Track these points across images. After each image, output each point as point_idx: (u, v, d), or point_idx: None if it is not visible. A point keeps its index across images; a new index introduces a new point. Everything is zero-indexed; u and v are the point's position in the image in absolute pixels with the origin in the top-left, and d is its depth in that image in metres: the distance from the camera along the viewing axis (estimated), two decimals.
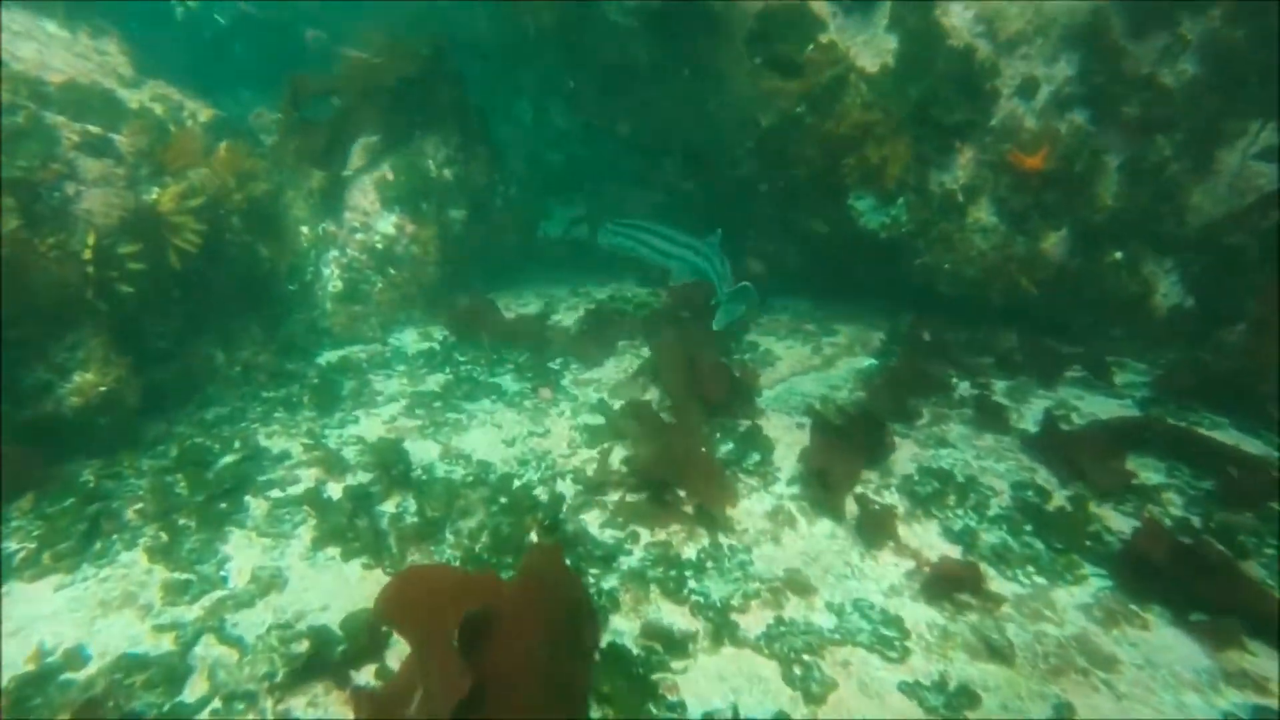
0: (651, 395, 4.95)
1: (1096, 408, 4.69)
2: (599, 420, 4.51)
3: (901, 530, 3.50)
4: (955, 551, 3.33)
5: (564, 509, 3.61)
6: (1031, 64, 5.47)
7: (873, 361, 5.68)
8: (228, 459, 4.20)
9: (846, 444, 4.05)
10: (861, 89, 5.65)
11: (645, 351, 5.84)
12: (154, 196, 4.39)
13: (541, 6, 7.70)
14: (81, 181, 4.05)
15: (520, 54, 9.79)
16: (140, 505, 3.70)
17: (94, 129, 4.36)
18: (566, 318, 6.58)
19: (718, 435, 4.31)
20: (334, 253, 6.30)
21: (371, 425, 4.71)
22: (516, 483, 3.89)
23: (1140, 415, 4.46)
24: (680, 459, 3.79)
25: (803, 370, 5.56)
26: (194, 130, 5.46)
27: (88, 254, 3.98)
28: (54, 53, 5.53)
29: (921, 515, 3.62)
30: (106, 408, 4.14)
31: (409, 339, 6.10)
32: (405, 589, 2.52)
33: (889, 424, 4.17)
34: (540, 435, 4.48)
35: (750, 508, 3.74)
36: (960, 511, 3.59)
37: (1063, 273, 5.73)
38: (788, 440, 4.40)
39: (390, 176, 6.49)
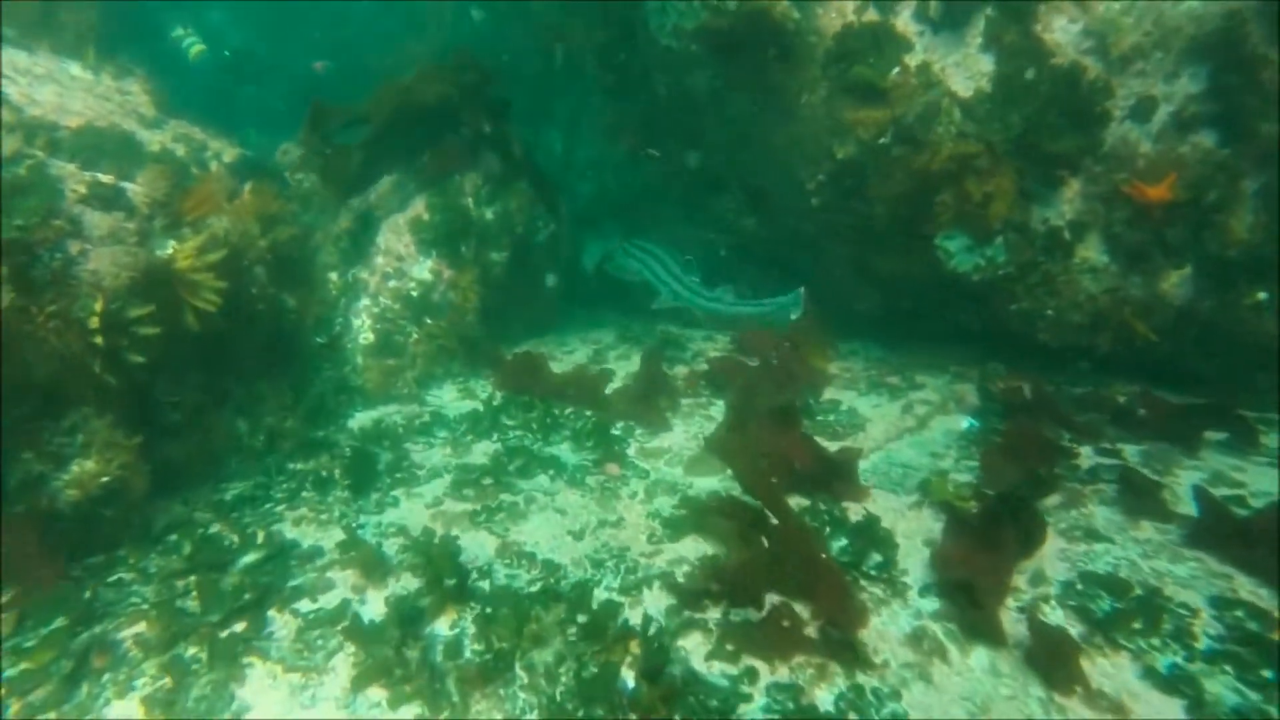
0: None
1: (1268, 483, 3.92)
2: (680, 508, 3.81)
3: (1085, 666, 2.75)
4: (1175, 708, 2.57)
5: (657, 631, 2.89)
6: (1148, 82, 4.79)
7: (972, 422, 4.94)
8: (249, 558, 3.53)
9: (985, 540, 3.32)
10: (955, 116, 4.99)
11: (714, 411, 5.15)
12: (169, 252, 3.79)
13: (582, 33, 7.20)
14: (87, 239, 3.46)
15: (550, 83, 9.30)
16: (142, 628, 3.03)
17: (105, 178, 3.79)
18: (619, 368, 5.91)
19: (827, 530, 3.58)
20: (365, 301, 5.69)
21: (414, 509, 4.03)
22: (596, 594, 3.19)
23: None
24: (794, 567, 3.08)
25: (897, 434, 4.83)
26: (217, 173, 4.91)
27: (94, 322, 3.37)
28: (75, 95, 5.06)
29: (1104, 644, 2.87)
30: (110, 499, 3.50)
31: (448, 397, 5.45)
32: None
33: (1037, 509, 3.43)
34: (613, 525, 3.78)
35: (884, 629, 3.01)
36: (1156, 641, 2.83)
37: (1187, 316, 4.99)
38: (904, 529, 3.67)
39: (426, 216, 5.90)
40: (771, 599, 3.15)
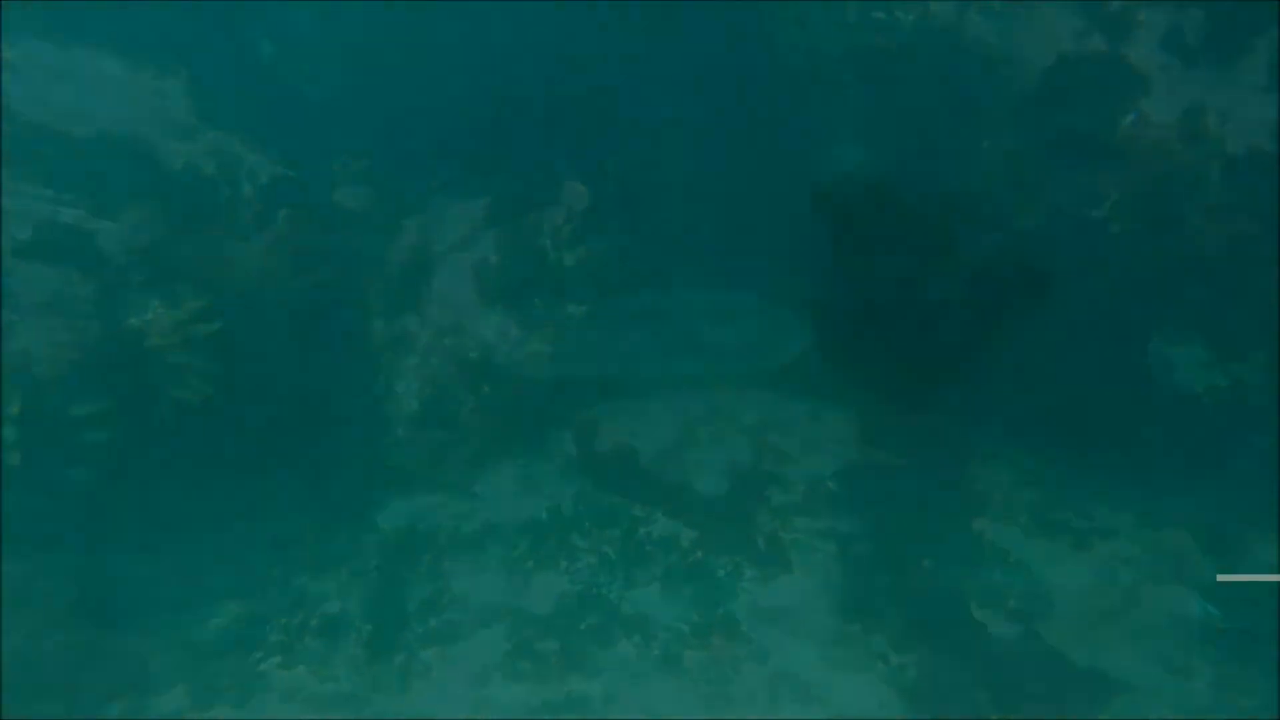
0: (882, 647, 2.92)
1: None
2: None
3: None
4: None
5: None
6: None
7: (1210, 609, 3.42)
8: None
9: None
10: (1212, 180, 3.51)
11: (838, 539, 3.78)
12: (149, 317, 2.64)
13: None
14: (15, 306, 2.33)
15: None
16: None
17: (70, 213, 2.66)
18: (714, 456, 4.60)
19: None
20: (413, 360, 4.49)
21: (450, 687, 2.80)
22: None
23: None
24: None
25: (1098, 616, 3.37)
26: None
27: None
28: (100, 97, 3.99)
29: None
30: None
31: (507, 487, 4.20)
32: None
33: None
34: None
35: None
36: None
37: None
38: None
39: (494, 259, 4.69)
40: None
